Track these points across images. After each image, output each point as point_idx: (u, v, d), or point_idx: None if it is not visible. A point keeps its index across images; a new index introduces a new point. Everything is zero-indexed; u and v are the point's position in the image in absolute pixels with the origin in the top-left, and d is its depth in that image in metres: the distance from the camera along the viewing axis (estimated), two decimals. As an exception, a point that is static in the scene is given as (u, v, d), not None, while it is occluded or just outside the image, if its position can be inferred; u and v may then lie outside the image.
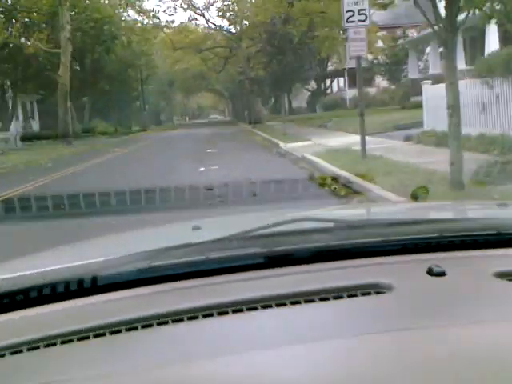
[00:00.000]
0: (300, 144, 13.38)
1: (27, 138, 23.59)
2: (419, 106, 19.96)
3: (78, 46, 24.44)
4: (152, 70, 40.55)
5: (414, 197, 4.34)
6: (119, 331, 0.77)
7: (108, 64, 29.30)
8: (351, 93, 32.35)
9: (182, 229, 1.42)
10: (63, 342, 0.76)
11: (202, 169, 10.02)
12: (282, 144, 13.92)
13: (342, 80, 36.10)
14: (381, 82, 31.25)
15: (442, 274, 0.85)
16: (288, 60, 27.86)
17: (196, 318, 0.78)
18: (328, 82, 36.64)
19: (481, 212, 1.46)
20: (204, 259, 0.96)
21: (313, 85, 35.49)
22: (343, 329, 0.73)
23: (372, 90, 30.90)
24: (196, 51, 31.22)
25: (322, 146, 12.08)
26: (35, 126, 30.25)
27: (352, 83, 32.67)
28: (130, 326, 0.78)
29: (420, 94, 21.15)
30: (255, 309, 0.80)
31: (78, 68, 27.60)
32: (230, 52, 30.93)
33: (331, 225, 1.11)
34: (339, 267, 0.96)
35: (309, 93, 35.81)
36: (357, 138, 10.42)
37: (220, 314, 0.79)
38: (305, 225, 1.15)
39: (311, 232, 1.08)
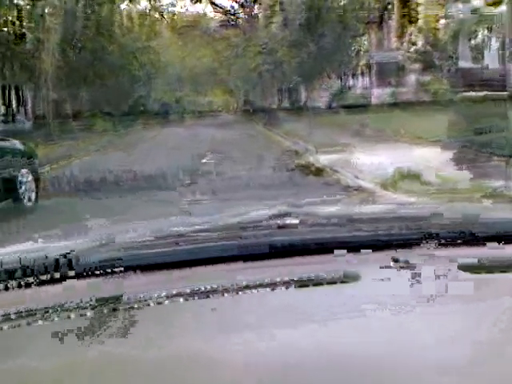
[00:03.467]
0: (335, 154, 9.95)
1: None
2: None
3: (72, 31, 21.25)
4: (158, 63, 37.30)
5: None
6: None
7: (108, 54, 26.04)
8: (377, 91, 28.89)
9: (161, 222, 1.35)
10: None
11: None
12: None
13: (361, 76, 32.77)
14: (413, 77, 27.76)
15: (405, 266, 0.90)
16: (325, 43, 23.26)
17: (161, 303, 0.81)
18: (350, 78, 33.12)
19: (452, 211, 1.34)
20: (174, 250, 1.00)
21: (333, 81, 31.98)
22: (309, 315, 0.76)
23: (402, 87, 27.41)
24: (202, 32, 27.60)
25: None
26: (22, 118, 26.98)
27: (380, 80, 29.25)
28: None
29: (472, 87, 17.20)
30: (228, 293, 0.83)
31: (72, 55, 24.36)
32: (244, 34, 27.03)
33: (304, 218, 1.15)
34: (307, 261, 0.99)
35: (325, 89, 32.24)
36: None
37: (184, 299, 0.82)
38: (280, 218, 1.15)
39: (285, 226, 1.10)
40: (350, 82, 31.72)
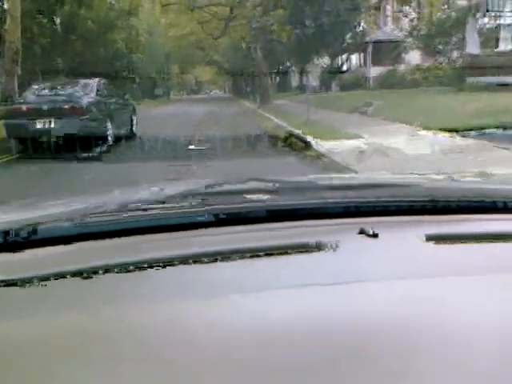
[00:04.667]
0: (348, 145, 8.27)
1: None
2: (482, 88, 15.09)
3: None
4: (140, 36, 35.10)
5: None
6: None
7: (82, 22, 23.94)
8: (375, 71, 27.24)
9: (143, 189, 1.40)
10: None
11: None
12: (314, 142, 8.79)
13: (357, 56, 31.01)
14: (412, 57, 26.13)
15: (373, 235, 0.89)
16: (320, 20, 21.31)
17: (143, 268, 0.80)
18: (344, 57, 31.31)
19: (421, 181, 1.38)
20: (145, 215, 1.00)
21: (325, 60, 30.17)
22: (276, 283, 0.75)
23: (401, 68, 25.79)
24: (187, 8, 25.47)
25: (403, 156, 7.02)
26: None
27: (377, 59, 27.59)
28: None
29: (483, 73, 15.98)
30: (201, 262, 0.82)
31: (44, 23, 22.28)
32: (231, 12, 24.96)
33: (276, 186, 1.19)
34: (276, 228, 0.98)
35: (320, 68, 30.46)
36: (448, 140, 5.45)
37: (159, 266, 0.80)
38: (252, 185, 1.20)
39: (256, 192, 1.11)
40: (347, 61, 29.95)
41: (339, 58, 30.22)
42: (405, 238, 0.92)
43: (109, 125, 10.23)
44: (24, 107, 9.82)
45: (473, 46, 17.99)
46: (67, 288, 0.77)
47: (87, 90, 10.39)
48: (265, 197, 1.09)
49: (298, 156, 8.08)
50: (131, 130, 12.04)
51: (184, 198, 1.08)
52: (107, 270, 0.80)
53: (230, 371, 0.57)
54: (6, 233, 0.94)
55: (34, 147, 9.10)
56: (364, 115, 13.70)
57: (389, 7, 26.08)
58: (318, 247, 0.85)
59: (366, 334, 0.61)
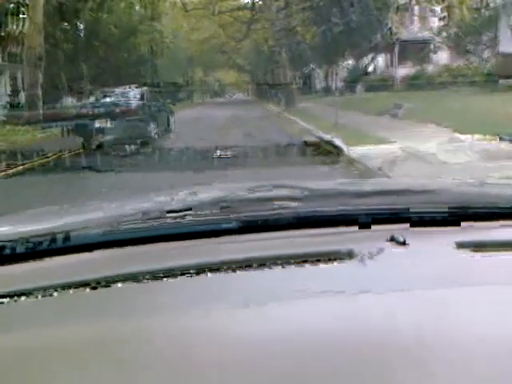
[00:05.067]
0: (382, 150, 7.79)
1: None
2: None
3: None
4: (164, 39, 35.05)
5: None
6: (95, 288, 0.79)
7: (104, 27, 23.89)
8: (402, 71, 26.56)
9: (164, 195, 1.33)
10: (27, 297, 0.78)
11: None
12: (345, 147, 8.32)
13: (382, 56, 30.33)
14: (440, 57, 25.42)
15: (403, 243, 0.88)
16: (346, 20, 20.57)
17: (174, 276, 0.80)
18: (370, 57, 30.67)
19: (451, 186, 1.33)
20: (173, 223, 1.00)
21: (349, 61, 29.56)
22: (306, 292, 0.74)
23: (429, 69, 25.08)
24: (211, 13, 25.19)
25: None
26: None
27: (403, 60, 26.92)
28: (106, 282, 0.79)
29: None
30: (229, 270, 0.81)
31: (67, 29, 22.29)
32: (253, 16, 24.50)
33: (304, 193, 1.13)
34: (304, 235, 0.98)
35: (345, 70, 29.87)
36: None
37: (188, 274, 0.80)
38: (280, 192, 1.16)
39: (283, 199, 1.08)
40: (372, 61, 29.32)
41: (364, 58, 29.62)
42: (435, 246, 0.91)
43: (152, 124, 12.45)
44: (86, 110, 12.31)
45: (506, 45, 17.27)
46: (88, 296, 0.77)
47: (135, 96, 12.87)
48: (292, 203, 1.07)
49: (329, 162, 7.64)
50: (169, 127, 14.47)
51: (211, 205, 1.07)
52: (133, 277, 0.79)
53: (259, 378, 0.56)
54: (27, 241, 0.94)
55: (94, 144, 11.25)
56: (394, 118, 13.17)
57: (416, 6, 25.38)
58: (348, 255, 0.85)
59: (396, 344, 0.60)
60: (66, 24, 22.06)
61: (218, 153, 8.78)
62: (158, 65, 34.69)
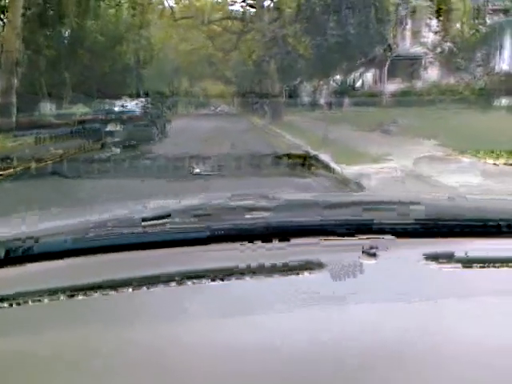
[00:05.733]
0: (378, 169, 7.18)
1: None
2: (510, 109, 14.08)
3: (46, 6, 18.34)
4: (152, 48, 34.49)
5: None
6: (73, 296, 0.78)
7: (89, 34, 23.20)
8: (391, 87, 26.23)
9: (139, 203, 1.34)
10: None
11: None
12: (337, 165, 7.72)
13: (370, 71, 30.03)
14: (430, 74, 25.13)
15: (373, 255, 0.89)
16: (341, 33, 19.89)
17: (150, 284, 0.79)
18: (358, 73, 30.30)
19: (425, 200, 1.30)
20: (141, 232, 0.99)
21: (336, 76, 29.16)
22: (274, 305, 0.74)
23: (418, 85, 24.76)
24: (201, 23, 24.62)
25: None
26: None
27: (392, 75, 26.60)
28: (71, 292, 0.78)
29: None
30: (201, 278, 0.81)
31: (49, 35, 21.55)
32: (243, 27, 23.94)
33: (279, 203, 1.14)
34: (275, 246, 0.98)
35: (334, 84, 29.45)
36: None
37: (154, 284, 0.79)
38: (254, 202, 1.15)
39: (258, 209, 1.08)
40: (361, 77, 28.98)
41: (353, 73, 29.26)
42: (405, 259, 0.92)
43: (154, 128, 14.69)
44: (99, 116, 14.71)
45: (503, 64, 16.95)
46: (63, 305, 0.76)
47: (139, 105, 15.45)
48: (266, 214, 1.07)
49: (320, 181, 7.04)
50: (165, 132, 16.33)
51: (185, 214, 1.07)
52: (106, 286, 0.78)
53: None
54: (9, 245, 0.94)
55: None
56: (386, 134, 12.64)
57: (409, 20, 25.06)
58: (319, 266, 0.84)
59: (363, 354, 0.61)
60: (49, 30, 21.30)
61: (198, 170, 8.17)
62: (143, 74, 34.06)
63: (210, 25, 25.48)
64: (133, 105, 15.35)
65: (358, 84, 28.86)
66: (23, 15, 15.66)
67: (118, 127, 13.78)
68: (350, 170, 7.23)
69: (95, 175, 8.23)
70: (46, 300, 0.75)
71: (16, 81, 15.02)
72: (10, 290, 0.78)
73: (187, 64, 41.32)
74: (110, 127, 13.66)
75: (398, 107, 21.36)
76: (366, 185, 6.07)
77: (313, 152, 9.18)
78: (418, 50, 25.16)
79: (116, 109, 15.03)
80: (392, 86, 25.78)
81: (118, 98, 17.85)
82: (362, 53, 22.99)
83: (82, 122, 14.39)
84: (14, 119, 14.56)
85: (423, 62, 25.21)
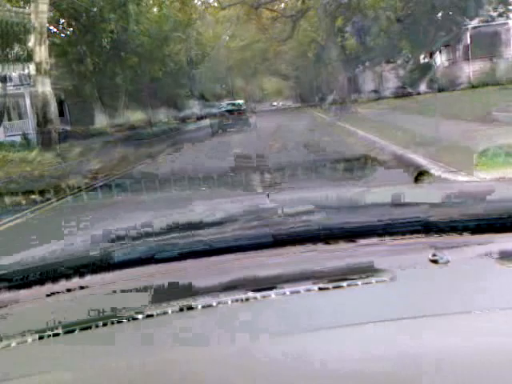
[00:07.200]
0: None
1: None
2: None
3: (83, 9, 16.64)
4: (203, 47, 32.72)
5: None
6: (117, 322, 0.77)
7: (132, 36, 21.46)
8: (475, 65, 22.79)
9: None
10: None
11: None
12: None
13: (448, 49, 26.55)
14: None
15: (444, 261, 0.85)
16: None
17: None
18: (434, 50, 26.85)
19: (485, 195, 1.20)
20: (201, 240, 0.99)
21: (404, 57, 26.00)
22: (344, 317, 0.72)
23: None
24: (250, 7, 22.25)
25: None
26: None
27: (477, 50, 23.11)
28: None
29: None
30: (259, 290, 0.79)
31: (92, 43, 19.96)
32: (303, 2, 21.22)
33: (334, 206, 1.11)
34: (340, 248, 0.95)
35: (400, 66, 26.28)
36: None
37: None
38: (307, 206, 1.12)
39: (312, 213, 1.06)
40: (439, 54, 25.54)
41: (425, 52, 25.91)
42: (476, 262, 0.85)
43: (250, 119, 21.33)
44: (219, 113, 21.54)
45: None
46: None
47: (242, 104, 22.32)
48: (328, 215, 1.04)
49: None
50: (250, 123, 21.00)
51: (249, 217, 1.05)
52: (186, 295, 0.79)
53: None
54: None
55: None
56: (495, 121, 9.70)
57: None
58: (388, 271, 0.80)
59: (441, 368, 0.59)
60: (91, 38, 19.67)
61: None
62: (195, 74, 32.28)
63: (259, 10, 22.98)
64: (238, 104, 22.18)
65: (439, 62, 25.39)
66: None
67: (230, 121, 20.13)
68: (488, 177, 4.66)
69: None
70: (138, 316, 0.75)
71: (50, 90, 13.31)
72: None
73: (240, 61, 39.31)
74: (225, 121, 20.15)
75: (483, 87, 18.25)
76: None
77: (421, 161, 6.64)
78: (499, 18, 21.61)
79: (227, 107, 21.67)
80: (475, 64, 22.39)
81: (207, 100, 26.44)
82: (431, 27, 19.61)
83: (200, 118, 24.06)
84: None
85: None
